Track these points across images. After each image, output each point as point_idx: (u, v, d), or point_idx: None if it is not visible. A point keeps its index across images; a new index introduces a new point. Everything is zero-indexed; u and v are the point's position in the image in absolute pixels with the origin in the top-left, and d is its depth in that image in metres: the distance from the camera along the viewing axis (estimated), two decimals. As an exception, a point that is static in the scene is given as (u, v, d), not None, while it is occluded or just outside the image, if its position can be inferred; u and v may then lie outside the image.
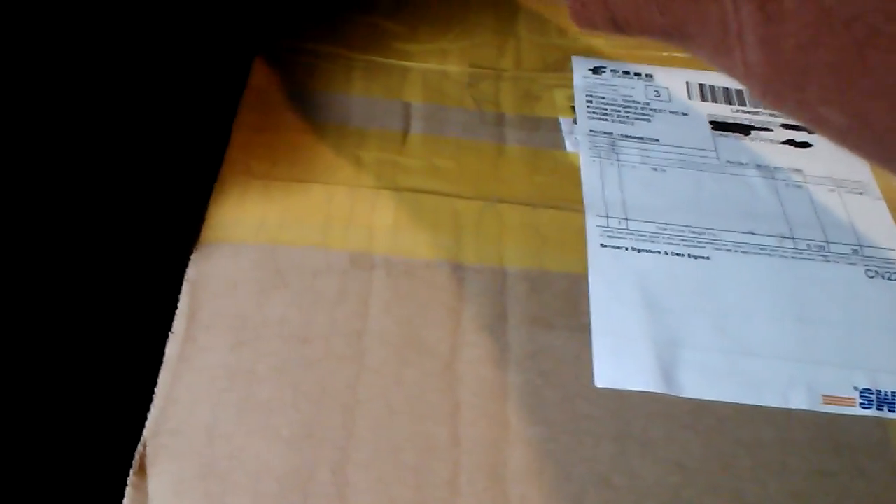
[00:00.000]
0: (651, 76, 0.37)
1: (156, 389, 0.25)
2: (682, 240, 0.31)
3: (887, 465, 0.27)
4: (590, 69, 0.37)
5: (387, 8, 0.38)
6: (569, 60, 0.38)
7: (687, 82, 0.37)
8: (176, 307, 0.27)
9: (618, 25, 0.23)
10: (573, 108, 0.35)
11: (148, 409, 0.25)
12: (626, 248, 0.31)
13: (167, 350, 0.26)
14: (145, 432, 0.24)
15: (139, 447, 0.24)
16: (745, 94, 0.37)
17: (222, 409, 0.25)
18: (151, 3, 0.36)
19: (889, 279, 0.31)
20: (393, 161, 0.32)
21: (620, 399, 0.27)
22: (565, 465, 0.26)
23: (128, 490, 0.23)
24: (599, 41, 0.38)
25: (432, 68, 0.36)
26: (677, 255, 0.31)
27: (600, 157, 0.34)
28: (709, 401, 0.28)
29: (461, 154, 0.33)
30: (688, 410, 0.27)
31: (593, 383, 0.27)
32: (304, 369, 0.26)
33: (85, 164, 0.32)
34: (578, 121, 0.35)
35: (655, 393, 0.28)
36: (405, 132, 0.33)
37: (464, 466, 0.25)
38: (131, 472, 0.23)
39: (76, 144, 0.33)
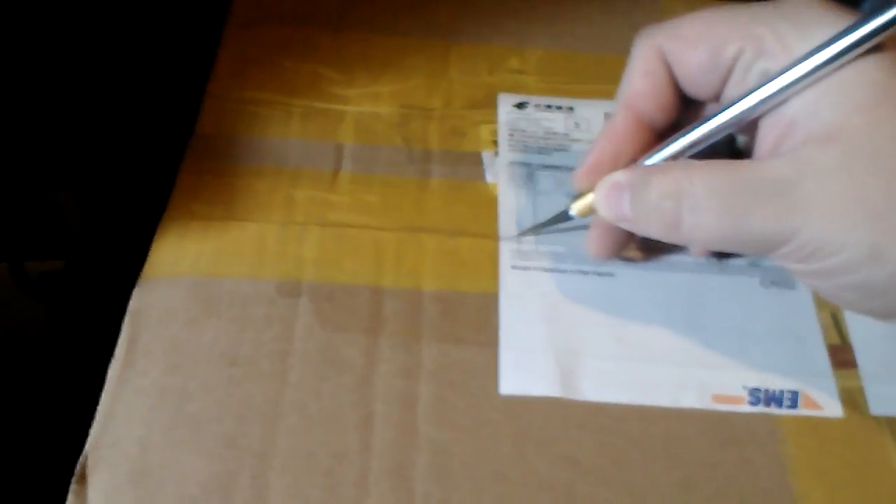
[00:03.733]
0: (572, 109, 0.40)
1: (97, 408, 0.28)
2: (589, 259, 0.34)
3: (772, 456, 0.30)
4: (514, 105, 0.40)
5: (326, 56, 0.41)
6: (495, 97, 0.40)
7: (605, 113, 0.39)
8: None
9: None
10: (496, 142, 0.38)
11: (90, 426, 0.28)
12: (536, 269, 0.34)
13: (108, 373, 0.29)
14: (87, 445, 0.28)
15: (81, 458, 0.27)
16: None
17: (155, 424, 0.28)
18: (107, 47, 0.39)
19: (783, 287, 0.34)
20: (323, 198, 0.35)
21: (522, 405, 0.30)
22: (467, 465, 0.28)
23: (70, 496, 0.27)
24: (527, 77, 0.41)
25: (366, 111, 0.39)
26: (583, 272, 0.34)
27: (517, 187, 0.36)
28: (604, 403, 0.30)
29: (387, 190, 0.36)
30: (583, 412, 0.30)
31: (498, 392, 0.30)
32: (230, 387, 0.29)
33: (41, 214, 0.35)
34: (500, 154, 0.38)
35: (555, 398, 0.30)
36: (336, 171, 0.36)
37: (373, 469, 0.28)
38: (73, 479, 0.27)
39: (33, 192, 0.36)
